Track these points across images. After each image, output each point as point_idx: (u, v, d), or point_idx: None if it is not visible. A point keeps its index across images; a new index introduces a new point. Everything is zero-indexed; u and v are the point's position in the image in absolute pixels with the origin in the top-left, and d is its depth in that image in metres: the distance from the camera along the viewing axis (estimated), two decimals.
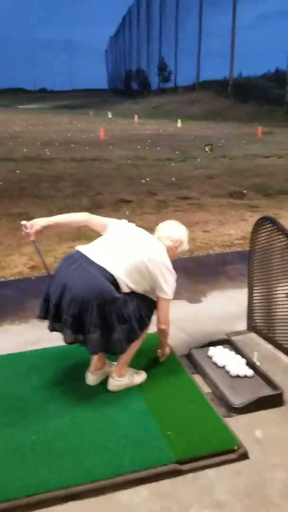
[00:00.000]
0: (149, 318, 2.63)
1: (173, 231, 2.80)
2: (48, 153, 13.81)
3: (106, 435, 2.31)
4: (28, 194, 8.39)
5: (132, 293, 2.52)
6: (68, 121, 29.72)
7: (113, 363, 2.81)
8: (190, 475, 2.13)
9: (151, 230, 6.33)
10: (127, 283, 2.47)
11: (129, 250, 2.52)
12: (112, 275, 2.43)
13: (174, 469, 2.12)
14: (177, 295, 4.09)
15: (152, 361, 2.98)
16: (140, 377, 2.79)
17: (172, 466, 2.13)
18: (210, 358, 3.02)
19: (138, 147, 15.47)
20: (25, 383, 2.75)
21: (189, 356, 3.07)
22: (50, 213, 7.01)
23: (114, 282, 2.43)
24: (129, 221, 2.85)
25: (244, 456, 2.22)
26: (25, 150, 14.50)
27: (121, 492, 2.05)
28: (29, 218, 6.90)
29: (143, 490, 2.05)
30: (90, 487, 2.04)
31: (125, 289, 2.48)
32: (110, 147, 15.42)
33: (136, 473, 2.09)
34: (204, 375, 2.86)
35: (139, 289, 2.55)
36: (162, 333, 2.78)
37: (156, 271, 2.53)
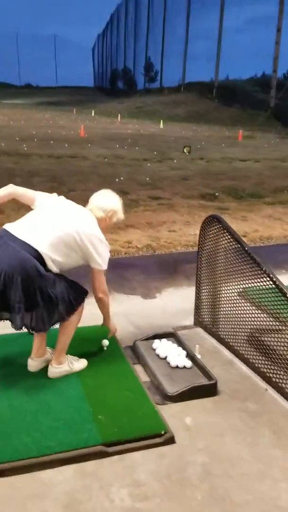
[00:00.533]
0: (78, 304, 2.68)
1: (105, 201, 2.81)
2: (25, 149, 13.77)
3: (39, 418, 2.39)
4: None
5: (62, 277, 2.59)
6: (50, 117, 29.60)
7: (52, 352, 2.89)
8: (115, 457, 2.22)
9: (119, 228, 6.39)
10: (52, 257, 2.50)
11: (55, 224, 2.55)
12: (36, 250, 2.46)
13: (100, 451, 2.22)
14: (132, 291, 4.23)
15: (95, 350, 3.07)
16: (80, 364, 2.87)
17: (98, 448, 2.22)
18: (154, 350, 3.12)
19: (117, 146, 15.54)
20: None
21: (133, 348, 3.17)
22: (18, 208, 7.07)
23: (39, 258, 2.46)
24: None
25: (170, 440, 2.32)
26: (2, 144, 14.44)
27: (46, 471, 2.13)
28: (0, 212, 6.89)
29: (67, 470, 2.14)
30: (16, 464, 2.12)
31: (51, 265, 2.51)
32: (89, 145, 15.45)
33: (62, 453, 2.18)
34: (145, 365, 2.97)
35: (69, 262, 2.60)
36: (100, 303, 2.83)
37: (87, 243, 2.58)
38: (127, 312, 3.71)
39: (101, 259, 2.67)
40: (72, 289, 2.64)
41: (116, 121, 29.77)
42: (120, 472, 2.14)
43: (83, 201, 8.17)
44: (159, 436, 2.32)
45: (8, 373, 2.78)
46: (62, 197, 2.84)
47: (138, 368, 2.95)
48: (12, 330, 2.56)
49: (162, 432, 2.33)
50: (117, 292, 4.14)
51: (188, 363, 2.95)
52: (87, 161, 12.14)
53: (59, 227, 2.55)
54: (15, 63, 74.00)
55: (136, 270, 4.71)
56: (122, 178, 9.82)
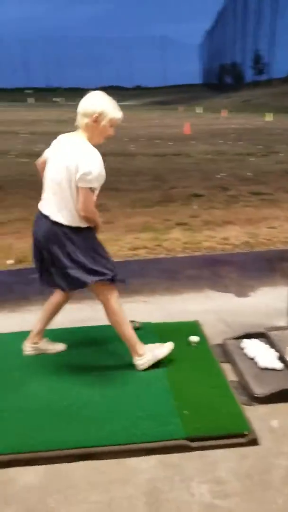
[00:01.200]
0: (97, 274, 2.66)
1: (85, 104, 2.54)
2: (132, 149, 14.25)
3: (128, 408, 2.51)
4: (106, 187, 8.75)
5: (89, 247, 2.65)
6: (157, 117, 30.20)
7: (53, 343, 3.12)
8: (197, 452, 2.25)
9: (216, 224, 6.37)
10: (62, 221, 2.56)
11: (54, 187, 2.57)
12: (48, 218, 2.59)
13: (183, 445, 2.26)
14: (225, 288, 4.20)
15: (183, 346, 3.11)
16: (163, 349, 2.89)
17: (182, 441, 2.27)
18: (243, 349, 3.09)
19: (221, 141, 15.39)
20: (68, 354, 3.05)
21: (222, 346, 3.17)
22: (123, 206, 7.37)
23: (55, 223, 2.57)
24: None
25: (253, 442, 2.29)
26: (111, 145, 15.05)
27: (131, 458, 2.23)
28: (104, 210, 7.33)
29: (151, 459, 2.22)
30: (104, 450, 2.25)
31: (64, 220, 2.56)
32: (193, 142, 15.50)
33: (147, 443, 2.27)
34: (233, 364, 2.95)
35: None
36: (85, 220, 2.60)
37: (73, 170, 2.46)
38: (219, 310, 3.70)
39: (85, 175, 2.45)
40: (94, 260, 2.66)
41: (220, 116, 29.39)
42: (202, 467, 2.17)
43: (182, 198, 8.26)
44: (242, 436, 2.30)
45: (102, 365, 2.95)
46: (58, 140, 2.67)
47: (226, 367, 2.94)
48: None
49: (246, 433, 2.31)
50: (210, 289, 4.15)
51: (279, 365, 2.87)
52: (189, 158, 12.21)
53: (56, 189, 2.55)
54: (127, 66, 76.52)
55: (231, 268, 4.66)
56: (223, 174, 9.72)
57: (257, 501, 1.98)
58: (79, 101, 2.59)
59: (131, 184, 9.06)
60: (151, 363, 2.85)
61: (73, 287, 2.74)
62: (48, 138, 2.71)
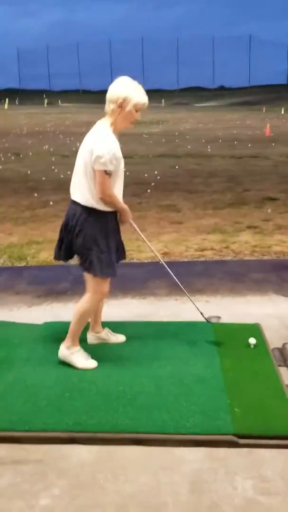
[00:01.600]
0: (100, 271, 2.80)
1: (110, 90, 2.63)
2: (209, 150, 14.21)
3: (180, 400, 2.60)
4: (180, 188, 8.91)
5: (108, 238, 2.80)
6: (238, 118, 29.71)
7: (114, 334, 3.26)
8: (245, 450, 2.29)
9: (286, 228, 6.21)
10: (79, 200, 2.74)
11: (75, 169, 2.77)
12: (74, 201, 2.78)
13: (231, 440, 2.31)
14: None
15: (242, 347, 3.14)
16: (83, 362, 2.94)
17: (230, 437, 2.33)
18: None
19: None
20: (129, 346, 3.21)
21: (281, 350, 3.15)
22: (195, 206, 7.44)
23: (74, 202, 2.77)
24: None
25: None
26: (189, 147, 15.13)
27: (180, 448, 2.33)
28: (176, 210, 7.45)
29: (199, 451, 2.30)
30: (155, 437, 2.36)
31: (88, 203, 2.72)
32: (273, 144, 15.12)
33: (196, 435, 2.35)
34: None
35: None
36: (103, 202, 2.72)
37: (88, 154, 2.62)
38: (282, 315, 3.66)
39: (99, 158, 2.56)
40: (103, 254, 2.80)
41: None
42: (248, 464, 2.21)
43: (255, 201, 8.14)
44: None
45: (159, 358, 3.06)
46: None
47: (283, 371, 2.93)
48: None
49: None
50: (275, 293, 4.10)
51: None
52: (268, 160, 11.94)
53: (78, 166, 2.74)
54: (209, 66, 75.98)
55: None
56: None
57: None
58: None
59: (204, 186, 9.08)
60: (65, 359, 2.97)
61: (82, 266, 2.91)
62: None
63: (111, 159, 2.59)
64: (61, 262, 3.11)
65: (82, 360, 2.96)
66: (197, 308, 3.22)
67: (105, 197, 2.70)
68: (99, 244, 2.79)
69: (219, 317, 3.32)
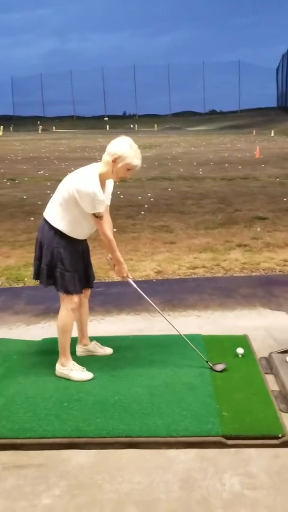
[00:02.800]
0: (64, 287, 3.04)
1: (111, 144, 2.95)
2: (201, 173, 14.57)
3: (172, 406, 2.77)
4: (173, 210, 9.18)
5: (73, 257, 3.04)
6: (229, 141, 30.41)
7: (101, 347, 3.44)
8: (233, 450, 2.45)
9: (277, 246, 6.47)
10: (53, 214, 2.99)
11: (58, 190, 3.02)
12: (44, 218, 3.05)
13: (219, 441, 2.48)
14: (278, 307, 4.33)
15: (230, 357, 3.31)
16: (80, 375, 3.11)
17: (219, 438, 2.49)
18: (287, 362, 3.23)
19: None
20: (123, 358, 3.37)
21: (268, 359, 3.32)
22: (188, 227, 7.68)
23: (48, 224, 3.02)
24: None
25: (286, 444, 2.45)
26: (181, 170, 15.51)
27: (172, 450, 2.48)
28: (169, 231, 7.66)
29: (189, 453, 2.46)
30: (149, 440, 2.52)
31: (56, 223, 2.99)
32: (263, 165, 15.53)
33: (187, 437, 2.51)
34: (276, 376, 3.10)
35: (75, 217, 2.96)
36: (104, 243, 3.10)
37: (76, 195, 2.89)
38: (269, 326, 3.85)
39: (88, 205, 2.88)
40: (68, 272, 3.02)
41: None
42: (235, 463, 2.37)
43: (245, 221, 8.37)
44: (276, 438, 2.47)
45: (151, 367, 3.23)
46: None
47: (270, 378, 3.10)
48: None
49: (280, 435, 2.47)
50: (263, 307, 4.30)
51: None
52: (257, 181, 12.29)
53: (59, 190, 3.01)
54: (200, 91, 77.67)
55: (287, 288, 4.77)
56: None
57: (284, 495, 2.14)
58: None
59: (196, 207, 9.35)
60: (62, 376, 3.13)
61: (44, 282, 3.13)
62: None
63: (98, 205, 2.89)
64: None
65: (78, 374, 3.13)
66: (202, 357, 3.26)
67: (102, 237, 3.03)
68: (64, 262, 3.04)
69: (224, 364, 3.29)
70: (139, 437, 2.54)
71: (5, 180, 13.81)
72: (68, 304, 3.10)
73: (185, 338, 3.30)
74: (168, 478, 2.29)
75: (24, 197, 10.80)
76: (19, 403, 2.87)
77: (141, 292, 3.31)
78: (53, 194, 3.12)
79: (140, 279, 5.30)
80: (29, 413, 2.77)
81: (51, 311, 4.44)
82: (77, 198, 2.90)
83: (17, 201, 10.44)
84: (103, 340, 3.56)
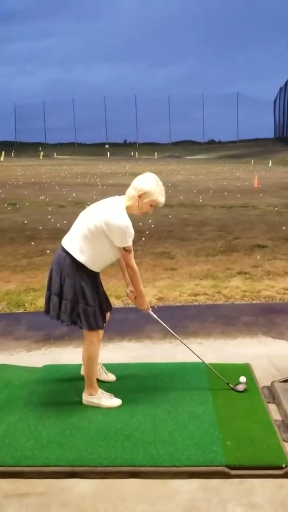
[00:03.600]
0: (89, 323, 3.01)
1: (138, 180, 2.99)
2: (200, 200, 14.75)
3: (175, 435, 2.76)
4: (173, 236, 9.25)
5: (93, 290, 3.03)
6: (228, 170, 30.87)
7: (106, 372, 3.43)
8: (236, 480, 2.44)
9: (277, 274, 6.50)
10: (77, 248, 2.95)
11: (81, 221, 3.01)
12: (63, 248, 3.00)
13: (223, 471, 2.46)
14: (279, 335, 4.34)
15: (233, 385, 3.30)
16: (110, 402, 3.12)
17: (222, 468, 2.47)
18: None
19: None
20: (126, 386, 3.36)
21: (270, 388, 3.32)
22: (188, 253, 7.73)
23: (68, 253, 2.97)
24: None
25: None
26: (181, 197, 15.68)
27: (175, 480, 2.46)
28: (170, 257, 7.70)
29: (193, 483, 2.44)
30: (151, 469, 2.50)
31: (78, 256, 2.95)
32: (261, 194, 15.74)
33: (190, 467, 2.49)
34: (279, 405, 3.09)
35: (101, 250, 2.96)
36: (129, 273, 3.09)
37: (104, 228, 2.89)
38: (271, 354, 3.85)
39: (119, 239, 2.90)
40: (90, 307, 3.00)
41: None
42: (239, 493, 2.35)
43: (245, 248, 8.42)
44: (280, 469, 2.46)
45: (154, 395, 3.23)
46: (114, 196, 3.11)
47: (272, 407, 3.09)
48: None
49: (283, 465, 2.46)
50: (264, 335, 4.31)
51: None
52: (256, 210, 12.44)
53: (82, 221, 3.00)
54: (200, 121, 79.18)
55: None
56: None
57: None
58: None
59: (197, 234, 9.43)
60: (92, 405, 3.11)
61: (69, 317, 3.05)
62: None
63: (127, 238, 2.93)
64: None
65: (106, 401, 3.13)
66: (222, 378, 3.29)
67: (128, 269, 3.06)
68: (86, 297, 3.01)
69: (244, 384, 3.32)
70: (142, 466, 2.52)
71: (6, 205, 13.94)
72: (93, 337, 3.08)
73: (209, 366, 3.35)
74: (171, 508, 2.27)
75: (25, 221, 10.88)
76: (21, 430, 2.85)
77: (163, 323, 3.31)
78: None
79: None
80: (31, 440, 2.75)
81: (52, 337, 4.45)
82: (106, 231, 2.89)
83: (18, 225, 10.52)
84: (105, 368, 3.55)
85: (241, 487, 2.39)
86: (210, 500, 2.30)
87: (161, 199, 3.01)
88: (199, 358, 3.39)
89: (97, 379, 3.39)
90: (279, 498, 2.30)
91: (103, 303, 3.18)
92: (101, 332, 3.12)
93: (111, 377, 3.48)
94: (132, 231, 2.94)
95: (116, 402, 3.13)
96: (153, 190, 2.96)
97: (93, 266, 3.03)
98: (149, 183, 2.97)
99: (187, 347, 3.46)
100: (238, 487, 2.39)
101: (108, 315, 3.32)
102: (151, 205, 3.02)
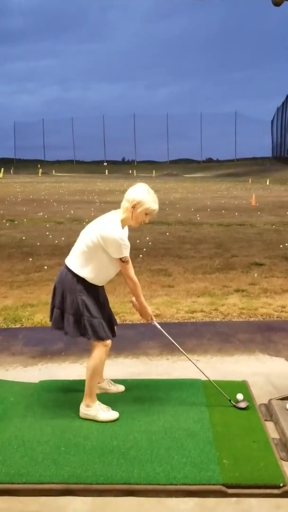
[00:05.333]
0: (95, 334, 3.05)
1: (129, 191, 3.07)
2: (198, 218, 14.81)
3: (172, 453, 2.73)
4: (170, 254, 9.27)
5: (98, 304, 3.08)
6: (225, 188, 31.06)
7: (114, 384, 3.48)
8: (233, 499, 2.41)
9: (275, 292, 6.51)
10: (78, 264, 3.04)
11: (80, 238, 3.10)
12: (66, 265, 3.09)
13: (220, 490, 2.43)
14: (277, 353, 4.33)
15: (229, 403, 3.28)
16: (107, 415, 3.11)
17: (219, 487, 2.44)
18: (287, 409, 3.20)
19: None
20: (122, 402, 3.33)
21: (267, 405, 3.30)
22: (185, 271, 7.74)
23: (70, 270, 3.06)
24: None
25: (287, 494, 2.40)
26: (179, 215, 15.75)
27: (171, 498, 2.43)
28: (167, 275, 7.69)
29: (189, 501, 2.41)
30: (147, 488, 2.47)
31: (80, 271, 3.04)
32: (258, 213, 15.83)
33: (186, 485, 2.46)
34: (276, 423, 3.07)
35: (101, 264, 3.02)
36: (128, 286, 3.15)
37: (101, 241, 2.96)
38: (268, 372, 3.84)
39: (114, 250, 2.96)
40: (95, 319, 3.05)
41: None
42: None
43: (242, 266, 8.41)
44: (277, 488, 2.43)
45: (150, 413, 3.20)
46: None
47: (270, 425, 3.07)
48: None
49: (281, 485, 2.43)
50: (262, 352, 4.29)
51: None
52: (254, 228, 12.50)
53: (81, 239, 3.09)
54: (198, 140, 79.94)
55: (285, 334, 4.78)
56: (286, 245, 9.86)
57: None
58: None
59: (194, 252, 9.46)
60: (88, 417, 3.11)
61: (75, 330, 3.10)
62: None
63: (123, 250, 2.99)
64: None
65: (103, 414, 3.12)
66: (224, 395, 3.30)
67: (128, 281, 3.11)
68: (90, 310, 3.06)
69: (247, 402, 3.32)
70: (137, 484, 2.49)
71: (4, 221, 13.97)
72: (102, 348, 3.11)
73: (212, 382, 3.34)
74: None
75: (23, 238, 10.90)
76: (15, 447, 2.82)
77: (167, 334, 3.33)
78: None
79: (139, 322, 5.31)
80: (25, 457, 2.72)
81: (49, 353, 4.42)
82: (102, 245, 2.97)
83: (16, 242, 10.53)
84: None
85: (238, 506, 2.35)
86: None
87: (154, 206, 3.06)
88: (201, 371, 3.38)
89: (108, 392, 3.44)
90: None
91: (109, 316, 3.24)
92: (109, 343, 3.15)
93: (120, 388, 3.51)
94: (127, 243, 3.03)
95: (113, 415, 3.12)
96: (145, 199, 3.03)
97: (95, 280, 3.09)
98: (140, 193, 3.04)
99: (190, 359, 3.48)
100: (235, 506, 2.36)
101: (116, 328, 3.34)
102: (146, 214, 3.08)
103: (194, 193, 26.92)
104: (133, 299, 3.27)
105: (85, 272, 3.05)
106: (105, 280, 3.18)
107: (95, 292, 3.13)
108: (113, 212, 3.16)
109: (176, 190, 28.87)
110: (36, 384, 3.70)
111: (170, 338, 3.36)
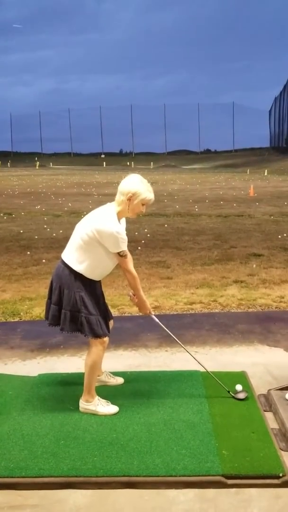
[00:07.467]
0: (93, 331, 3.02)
1: (123, 183, 3.01)
2: (196, 209, 14.77)
3: (171, 444, 2.72)
4: (169, 245, 9.24)
5: (93, 300, 3.04)
6: (223, 179, 30.98)
7: (113, 377, 3.47)
8: (233, 490, 2.41)
9: (273, 283, 6.50)
10: (74, 259, 2.99)
11: (75, 232, 3.05)
12: (63, 260, 3.04)
13: (219, 481, 2.43)
14: (275, 343, 4.32)
15: (229, 394, 3.28)
16: (106, 409, 3.11)
17: (218, 478, 2.44)
18: (286, 399, 3.20)
19: (286, 203, 15.54)
20: (121, 395, 3.33)
21: (266, 396, 3.30)
22: (184, 262, 7.73)
23: (66, 265, 3.02)
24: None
25: (287, 483, 2.40)
26: (177, 206, 15.71)
27: (171, 490, 2.43)
28: (166, 266, 7.67)
29: (189, 493, 2.40)
30: (147, 479, 2.47)
31: (76, 266, 2.99)
32: (257, 203, 15.78)
33: (186, 477, 2.46)
34: (275, 413, 3.07)
35: (97, 258, 2.98)
36: (128, 279, 3.11)
37: (97, 236, 2.92)
38: (267, 363, 3.83)
39: (112, 245, 2.93)
40: (92, 316, 3.02)
41: None
42: (236, 503, 2.31)
43: (241, 257, 8.40)
44: (277, 478, 2.43)
45: (150, 404, 3.19)
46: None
47: (269, 415, 3.07)
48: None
49: (280, 475, 2.43)
50: (260, 343, 4.29)
51: None
52: (252, 219, 12.47)
53: (76, 232, 3.04)
54: (195, 131, 79.57)
55: (284, 324, 4.77)
56: (285, 235, 9.84)
57: None
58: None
59: (193, 243, 9.43)
60: (88, 412, 3.11)
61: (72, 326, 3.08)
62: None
63: (121, 243, 2.95)
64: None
65: (103, 408, 3.11)
66: (223, 386, 3.29)
67: (127, 274, 3.08)
68: (87, 306, 3.03)
69: (246, 392, 3.32)
70: (137, 476, 2.49)
71: (1, 214, 13.91)
72: (99, 345, 3.08)
73: (211, 374, 3.33)
74: None
75: (21, 231, 10.86)
76: (14, 441, 2.82)
77: (165, 327, 3.31)
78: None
79: (138, 314, 5.30)
80: (24, 451, 2.71)
81: (47, 346, 4.41)
82: (99, 239, 2.93)
83: (13, 235, 10.49)
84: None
85: (238, 497, 2.35)
86: (207, 511, 2.27)
87: (150, 196, 3.03)
88: (200, 363, 3.38)
89: (107, 384, 3.42)
90: (276, 508, 2.27)
91: (105, 312, 3.21)
92: (106, 340, 3.12)
93: (119, 380, 3.50)
94: (124, 236, 2.98)
95: (112, 409, 3.11)
96: (141, 190, 2.99)
97: (92, 275, 3.05)
98: (135, 184, 3.00)
99: (188, 352, 3.46)
100: (235, 497, 2.36)
101: (111, 322, 3.32)
102: (142, 204, 3.04)
103: (192, 184, 26.82)
104: (131, 293, 3.24)
105: (82, 267, 3.01)
106: (103, 274, 3.14)
107: (93, 287, 3.09)
108: (108, 204, 3.11)
109: (174, 182, 28.78)
110: (35, 378, 3.69)
111: (169, 332, 3.34)
